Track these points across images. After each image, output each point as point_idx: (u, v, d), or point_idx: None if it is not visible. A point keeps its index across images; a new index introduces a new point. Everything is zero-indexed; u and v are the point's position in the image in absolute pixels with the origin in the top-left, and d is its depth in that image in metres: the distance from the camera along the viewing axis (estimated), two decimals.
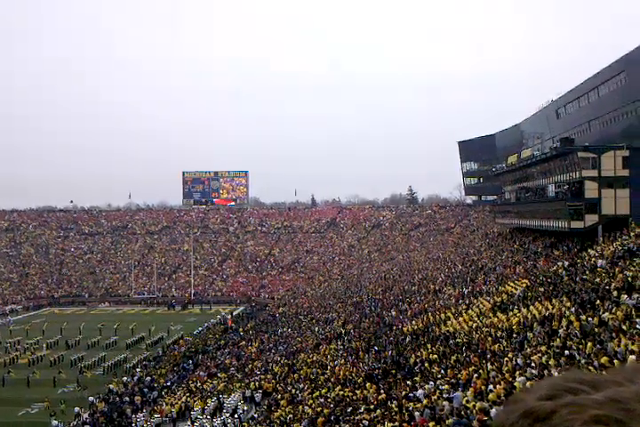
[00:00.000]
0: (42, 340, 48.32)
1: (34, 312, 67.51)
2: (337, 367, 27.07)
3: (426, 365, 22.99)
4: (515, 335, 22.63)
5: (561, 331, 20.14)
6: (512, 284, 31.95)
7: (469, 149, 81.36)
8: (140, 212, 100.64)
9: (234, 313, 59.66)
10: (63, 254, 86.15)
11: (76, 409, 29.67)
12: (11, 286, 76.66)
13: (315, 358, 30.54)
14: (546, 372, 16.47)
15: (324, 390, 24.28)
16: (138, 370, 38.22)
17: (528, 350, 19.90)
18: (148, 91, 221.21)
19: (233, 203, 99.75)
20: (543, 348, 19.13)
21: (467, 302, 32.50)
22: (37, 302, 72.72)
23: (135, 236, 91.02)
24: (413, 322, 31.78)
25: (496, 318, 26.35)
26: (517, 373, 17.57)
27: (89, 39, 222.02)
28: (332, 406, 22.03)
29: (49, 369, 38.93)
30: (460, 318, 29.22)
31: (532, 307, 25.31)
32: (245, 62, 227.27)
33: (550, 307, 23.92)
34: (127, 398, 31.96)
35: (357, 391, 22.71)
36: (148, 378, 35.57)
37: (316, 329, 38.68)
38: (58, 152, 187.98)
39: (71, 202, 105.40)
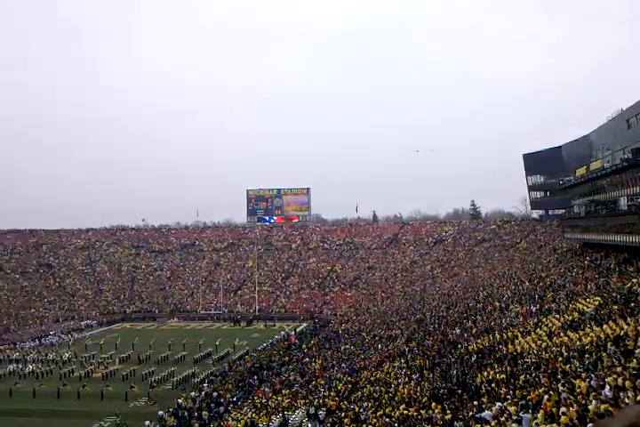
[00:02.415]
0: (115, 354, 50.36)
1: (107, 327, 70.50)
2: (401, 386, 26.75)
3: (493, 385, 22.37)
4: (587, 355, 21.69)
5: (637, 351, 19.19)
6: (583, 301, 30.66)
7: (535, 162, 79.19)
8: (207, 229, 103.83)
9: (297, 329, 60.11)
10: (135, 271, 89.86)
11: (147, 423, 30.60)
12: (86, 302, 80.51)
13: (378, 376, 30.29)
14: (622, 394, 15.74)
15: (388, 409, 24.01)
16: (205, 385, 39.08)
17: (602, 371, 19.06)
18: (215, 107, 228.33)
19: (295, 220, 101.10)
20: (618, 369, 18.26)
21: (535, 320, 31.40)
22: (111, 317, 75.97)
23: (202, 253, 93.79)
24: (479, 341, 31.00)
25: (567, 338, 25.34)
26: (591, 395, 16.85)
27: (148, 69, 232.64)
28: (396, 425, 21.79)
29: (121, 383, 40.41)
30: (529, 337, 28.26)
31: (605, 326, 24.21)
32: (304, 76, 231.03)
33: (625, 326, 22.83)
34: (195, 413, 32.71)
35: (422, 411, 22.35)
36: (215, 393, 36.28)
37: (379, 346, 38.38)
38: (131, 173, 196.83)
39: (143, 220, 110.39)
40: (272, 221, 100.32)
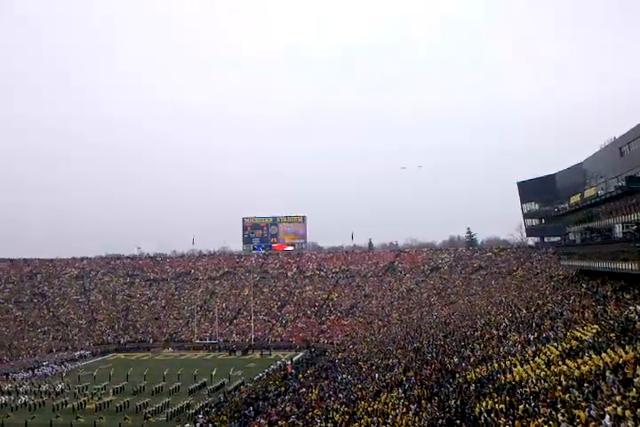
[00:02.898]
0: (108, 385, 49.59)
1: (101, 358, 69.49)
2: (399, 416, 26.40)
3: (492, 415, 22.15)
4: (586, 384, 21.55)
5: (636, 380, 19.11)
6: (581, 329, 30.59)
7: (529, 190, 79.98)
8: (203, 258, 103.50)
9: (293, 359, 59.38)
10: (129, 300, 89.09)
11: None
12: (80, 332, 79.52)
13: (376, 407, 29.88)
14: (622, 424, 15.64)
15: None
16: (200, 416, 38.40)
17: (601, 400, 18.92)
18: (211, 139, 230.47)
19: (291, 248, 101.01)
20: (618, 398, 18.15)
21: (533, 348, 31.24)
22: (105, 347, 74.92)
23: (198, 281, 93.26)
24: (477, 369, 30.76)
25: (565, 366, 25.20)
26: (591, 425, 16.72)
27: (157, 97, 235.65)
28: None
29: (115, 415, 39.76)
30: (527, 366, 28.08)
31: (603, 354, 24.12)
32: (303, 103, 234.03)
33: (623, 354, 22.77)
34: None
35: None
36: (210, 425, 35.63)
37: (377, 376, 37.93)
38: (126, 201, 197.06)
39: (138, 248, 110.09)
40: (266, 250, 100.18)
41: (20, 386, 51.02)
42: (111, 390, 47.80)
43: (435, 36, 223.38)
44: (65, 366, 62.29)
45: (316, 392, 38.65)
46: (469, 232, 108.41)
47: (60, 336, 77.66)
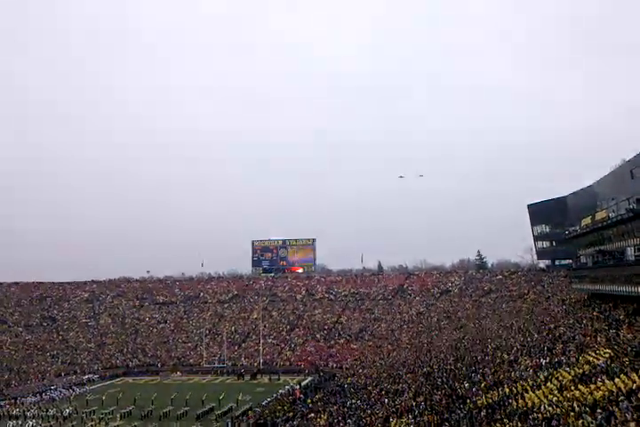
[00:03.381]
0: (116, 410, 49.20)
1: (109, 382, 69.05)
2: None
3: None
4: (599, 410, 21.19)
5: None
6: (593, 354, 30.15)
7: (540, 212, 79.74)
8: (212, 281, 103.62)
9: (302, 383, 58.73)
10: (138, 324, 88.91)
11: None
12: (89, 356, 79.26)
13: None
14: None
15: None
16: None
17: (615, 426, 18.58)
18: (221, 163, 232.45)
19: (300, 270, 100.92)
20: (632, 424, 17.85)
21: (545, 373, 30.77)
22: (113, 371, 74.52)
23: (207, 304, 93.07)
24: (488, 395, 30.29)
25: (578, 391, 24.80)
26: None
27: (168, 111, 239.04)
28: None
29: None
30: (539, 391, 27.65)
31: (616, 379, 23.75)
32: (309, 128, 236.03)
33: (637, 379, 22.41)
34: None
35: None
36: None
37: (386, 401, 37.42)
38: (136, 225, 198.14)
39: (148, 272, 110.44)
40: (277, 273, 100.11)
41: (28, 410, 50.76)
42: (119, 415, 47.42)
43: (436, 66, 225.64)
44: (73, 390, 61.93)
45: (325, 418, 38.16)
46: (479, 255, 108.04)
47: (68, 360, 77.45)
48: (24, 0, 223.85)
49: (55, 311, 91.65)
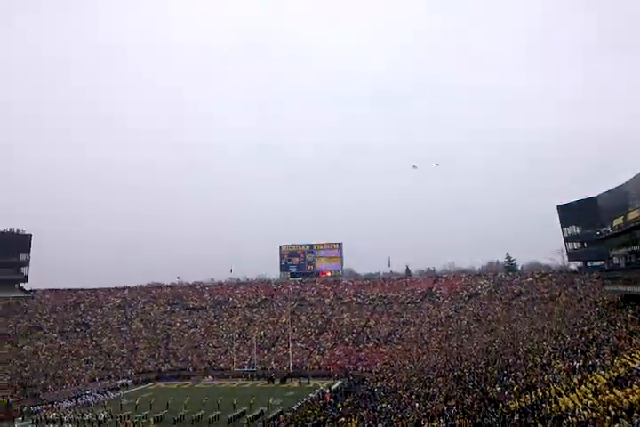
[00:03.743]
0: (149, 414, 50.02)
1: (142, 386, 70.20)
2: None
3: None
4: (636, 414, 20.85)
5: None
6: (629, 357, 29.61)
7: (570, 213, 78.54)
8: (241, 286, 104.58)
9: (332, 387, 58.83)
10: (169, 329, 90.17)
11: None
12: (122, 361, 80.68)
13: None
14: None
15: None
16: None
17: None
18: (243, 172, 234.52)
19: (328, 274, 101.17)
20: None
21: (579, 376, 30.32)
22: (146, 376, 75.73)
23: (236, 309, 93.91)
24: (521, 398, 29.97)
25: (613, 395, 24.41)
26: None
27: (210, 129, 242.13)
28: None
29: None
30: (573, 395, 27.27)
31: None
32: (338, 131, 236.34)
33: None
34: None
35: None
36: None
37: (417, 405, 37.25)
38: (166, 230, 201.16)
39: (178, 278, 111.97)
40: (304, 277, 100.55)
41: (64, 415, 51.95)
42: (152, 419, 48.20)
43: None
44: (107, 395, 63.17)
45: (355, 422, 38.20)
46: (509, 257, 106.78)
47: (102, 365, 78.94)
48: None
49: (88, 317, 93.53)
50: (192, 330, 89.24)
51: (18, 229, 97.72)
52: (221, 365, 78.13)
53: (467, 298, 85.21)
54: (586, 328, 43.50)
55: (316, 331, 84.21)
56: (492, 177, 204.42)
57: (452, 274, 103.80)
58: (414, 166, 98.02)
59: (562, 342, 41.22)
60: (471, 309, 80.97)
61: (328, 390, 55.99)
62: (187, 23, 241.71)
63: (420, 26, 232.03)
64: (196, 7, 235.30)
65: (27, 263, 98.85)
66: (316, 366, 74.75)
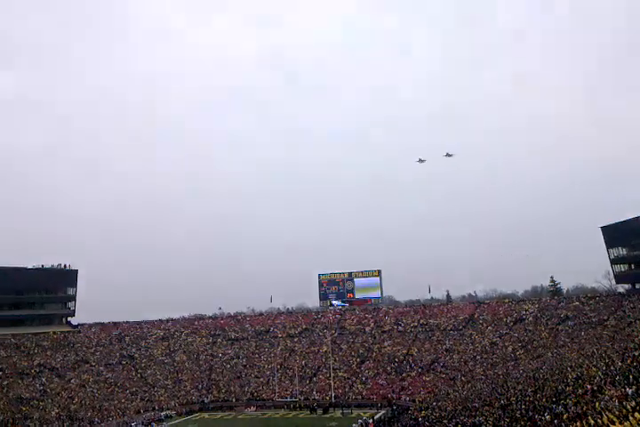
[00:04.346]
0: None
1: (186, 418, 70.58)
2: None
3: None
4: None
5: None
6: None
7: (615, 234, 76.69)
8: (281, 315, 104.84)
9: (375, 417, 58.02)
10: (212, 360, 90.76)
11: None
12: (166, 393, 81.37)
13: None
14: None
15: None
16: None
17: None
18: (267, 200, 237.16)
19: (368, 303, 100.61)
20: None
21: (632, 403, 29.33)
22: (189, 407, 76.17)
23: (277, 339, 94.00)
24: None
25: None
26: None
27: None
28: None
29: None
30: (627, 423, 26.40)
31: None
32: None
33: None
34: None
35: None
36: None
37: None
38: (206, 262, 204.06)
39: (219, 309, 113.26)
40: (344, 305, 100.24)
41: None
42: None
43: None
44: None
45: None
46: (553, 281, 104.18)
47: (147, 397, 79.75)
48: None
49: (133, 350, 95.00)
50: (234, 360, 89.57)
51: (65, 265, 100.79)
52: (264, 395, 77.93)
53: (511, 324, 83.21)
54: (637, 353, 42.05)
55: (358, 360, 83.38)
56: (533, 199, 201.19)
57: (494, 300, 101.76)
58: (420, 160, 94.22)
59: (612, 368, 39.93)
60: (516, 335, 78.96)
61: (371, 421, 55.26)
62: None
63: None
64: None
65: (74, 298, 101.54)
66: (359, 396, 73.80)
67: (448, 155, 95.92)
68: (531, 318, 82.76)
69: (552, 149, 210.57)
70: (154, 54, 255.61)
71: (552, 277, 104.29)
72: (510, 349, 74.62)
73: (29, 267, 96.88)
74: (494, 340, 79.64)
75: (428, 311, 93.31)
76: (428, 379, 74.19)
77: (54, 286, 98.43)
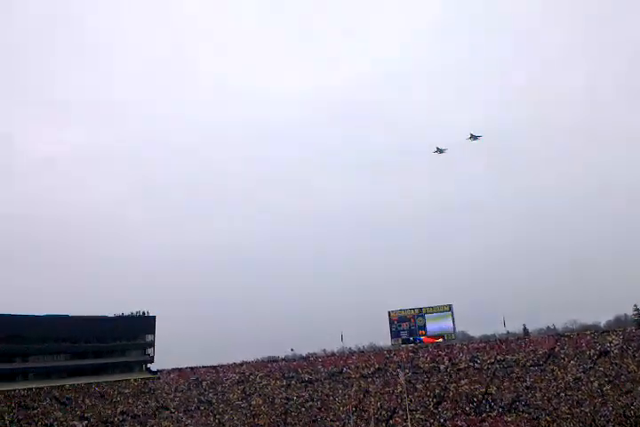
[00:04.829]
0: None
1: None
2: None
3: None
4: None
5: None
6: None
7: None
8: (353, 355, 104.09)
9: None
10: (287, 403, 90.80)
11: None
12: None
13: None
14: None
15: None
16: None
17: None
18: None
19: (440, 340, 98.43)
20: None
21: None
22: None
23: (350, 380, 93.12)
24: None
25: None
26: None
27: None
28: None
29: None
30: None
31: None
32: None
33: None
34: None
35: None
36: None
37: None
38: (273, 306, 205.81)
39: (292, 350, 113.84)
40: (420, 340, 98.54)
41: None
42: None
43: None
44: None
45: None
46: (637, 309, 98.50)
47: None
48: None
49: (210, 395, 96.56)
50: (309, 403, 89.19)
51: (144, 312, 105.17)
52: None
53: (595, 357, 78.96)
54: None
55: (434, 400, 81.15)
56: (607, 224, 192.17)
57: (575, 332, 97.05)
58: (438, 150, 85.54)
59: None
60: (602, 369, 74.78)
61: None
62: None
63: None
64: None
65: (152, 344, 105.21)
66: None
67: (473, 137, 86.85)
68: (616, 351, 78.34)
69: None
70: None
71: (636, 306, 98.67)
72: (596, 384, 70.70)
73: (110, 315, 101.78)
74: (578, 375, 75.69)
75: (504, 346, 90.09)
76: (509, 419, 71.12)
77: (134, 333, 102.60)
